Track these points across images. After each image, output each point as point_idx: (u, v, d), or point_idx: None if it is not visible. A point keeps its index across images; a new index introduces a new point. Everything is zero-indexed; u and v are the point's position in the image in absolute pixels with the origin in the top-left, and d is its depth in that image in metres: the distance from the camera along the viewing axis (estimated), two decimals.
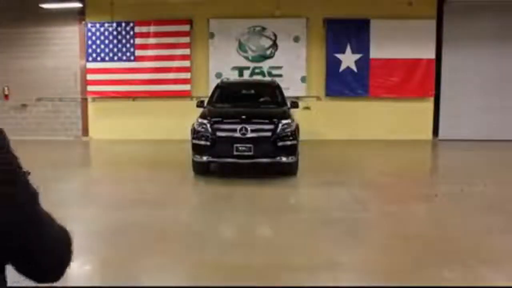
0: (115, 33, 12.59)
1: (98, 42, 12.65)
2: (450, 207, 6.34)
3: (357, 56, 12.35)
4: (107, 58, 12.58)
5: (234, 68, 12.57)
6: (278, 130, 7.70)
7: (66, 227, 1.16)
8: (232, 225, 5.73)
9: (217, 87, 9.45)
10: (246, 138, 7.59)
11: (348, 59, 12.37)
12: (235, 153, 7.57)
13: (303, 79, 12.53)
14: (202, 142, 7.71)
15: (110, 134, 12.48)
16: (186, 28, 12.50)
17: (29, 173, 1.06)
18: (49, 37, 12.87)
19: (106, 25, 12.60)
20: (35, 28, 12.71)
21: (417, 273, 4.13)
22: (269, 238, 5.32)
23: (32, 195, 1.04)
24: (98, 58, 12.61)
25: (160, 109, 12.19)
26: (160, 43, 12.48)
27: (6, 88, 13.03)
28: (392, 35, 12.12)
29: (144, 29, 12.50)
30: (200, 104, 8.99)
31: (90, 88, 12.72)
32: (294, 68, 12.49)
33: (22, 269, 1.08)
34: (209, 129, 7.71)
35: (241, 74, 12.55)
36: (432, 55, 12.29)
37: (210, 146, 7.67)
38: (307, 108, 12.27)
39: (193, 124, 8.03)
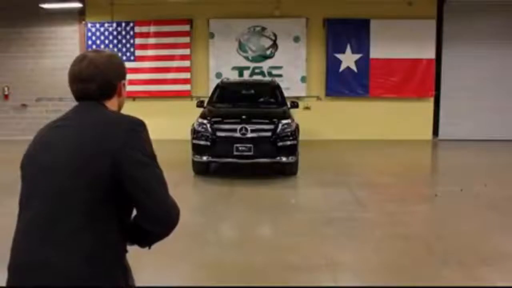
0: (115, 33, 12.60)
1: (98, 42, 12.65)
2: (450, 207, 6.34)
3: (357, 56, 12.35)
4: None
5: (234, 68, 12.57)
6: (278, 130, 7.69)
7: None
8: (232, 225, 5.73)
9: (217, 87, 9.45)
10: (246, 138, 7.59)
11: (348, 59, 12.37)
12: (235, 153, 7.57)
13: (303, 79, 12.53)
14: (202, 142, 7.71)
15: None
16: (186, 28, 12.49)
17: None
18: (49, 37, 12.87)
19: (106, 25, 12.60)
20: (35, 28, 12.71)
21: (417, 273, 4.13)
22: (269, 238, 5.32)
23: (153, 170, 1.63)
24: None
25: (160, 109, 12.17)
26: (160, 43, 12.48)
27: (6, 88, 13.04)
28: (392, 35, 12.11)
29: (144, 29, 12.51)
30: (200, 104, 9.00)
31: None
32: (294, 68, 12.49)
33: (139, 211, 1.62)
34: (209, 129, 7.71)
35: (241, 74, 12.54)
36: (432, 55, 12.29)
37: (210, 146, 7.67)
38: (307, 108, 12.28)
39: (193, 124, 8.03)
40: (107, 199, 1.58)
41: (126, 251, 1.75)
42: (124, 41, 12.59)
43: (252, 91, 9.62)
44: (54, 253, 1.52)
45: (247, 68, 12.59)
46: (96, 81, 1.71)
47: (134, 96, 12.40)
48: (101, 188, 1.56)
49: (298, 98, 11.19)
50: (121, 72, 1.82)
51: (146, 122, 1.78)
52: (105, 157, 1.57)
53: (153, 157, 1.66)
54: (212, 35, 12.55)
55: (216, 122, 7.80)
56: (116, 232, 1.63)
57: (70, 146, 1.60)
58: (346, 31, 12.28)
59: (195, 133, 7.84)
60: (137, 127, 1.67)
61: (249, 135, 7.62)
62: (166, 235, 1.71)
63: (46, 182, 1.59)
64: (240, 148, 7.56)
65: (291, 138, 7.73)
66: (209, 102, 8.92)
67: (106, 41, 12.65)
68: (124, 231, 1.68)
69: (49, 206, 1.57)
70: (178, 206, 1.68)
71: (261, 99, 9.27)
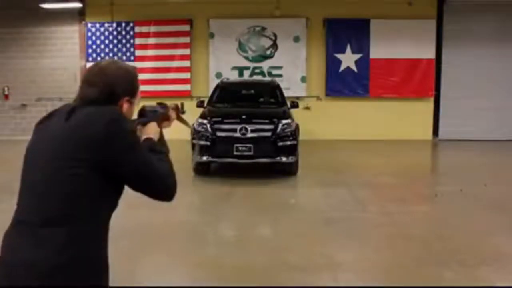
0: (115, 33, 12.60)
1: (98, 42, 12.66)
2: (450, 207, 6.34)
3: (357, 56, 12.36)
4: (107, 58, 12.58)
5: (234, 68, 12.57)
6: (278, 130, 7.69)
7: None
8: (232, 225, 5.73)
9: (217, 87, 9.45)
10: (246, 138, 7.59)
11: (348, 59, 12.37)
12: (235, 153, 7.57)
13: (303, 79, 12.53)
14: (202, 142, 7.71)
15: None
16: (186, 28, 12.50)
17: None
18: (49, 37, 12.87)
19: (106, 25, 12.61)
20: (35, 28, 12.72)
21: (417, 273, 4.13)
22: (269, 238, 5.32)
23: (134, 148, 1.66)
24: (98, 58, 12.60)
25: None
26: (160, 43, 12.48)
27: (6, 88, 13.04)
28: (392, 35, 12.12)
29: (144, 29, 12.51)
30: (200, 104, 9.00)
31: None
32: (294, 68, 12.49)
33: (136, 189, 1.71)
34: (209, 129, 7.72)
35: (241, 74, 12.55)
36: (432, 55, 12.29)
37: (210, 146, 7.67)
38: (307, 108, 12.28)
39: (193, 124, 8.03)
40: (88, 192, 1.60)
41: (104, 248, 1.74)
42: (124, 41, 12.59)
43: (252, 91, 9.62)
44: (28, 248, 1.54)
45: (247, 68, 12.59)
46: (99, 86, 1.72)
47: None
48: (83, 180, 1.58)
49: (298, 98, 11.20)
50: (129, 88, 1.83)
51: None
52: (88, 148, 1.59)
53: (135, 141, 1.70)
54: (212, 35, 12.55)
55: (216, 122, 7.80)
56: (94, 227, 1.64)
57: (53, 140, 1.64)
58: (346, 31, 12.28)
59: (195, 133, 7.84)
60: (118, 116, 1.68)
61: (249, 135, 7.61)
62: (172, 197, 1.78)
63: (30, 177, 1.65)
64: (240, 148, 7.56)
65: (291, 138, 7.73)
66: (209, 102, 8.92)
67: (106, 41, 12.65)
68: (104, 226, 1.70)
69: (30, 200, 1.61)
70: (169, 171, 1.75)
71: (261, 99, 9.27)
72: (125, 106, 1.80)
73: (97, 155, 1.59)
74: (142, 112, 1.93)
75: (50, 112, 1.79)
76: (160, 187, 1.72)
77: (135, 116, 1.90)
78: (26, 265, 1.52)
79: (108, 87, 1.74)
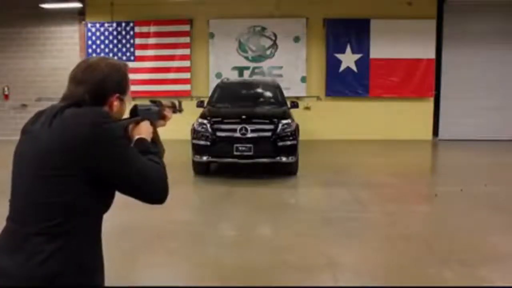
0: (115, 33, 12.60)
1: (98, 42, 12.66)
2: (450, 207, 6.34)
3: (357, 56, 12.35)
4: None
5: (234, 68, 12.57)
6: (278, 130, 7.70)
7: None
8: (232, 225, 5.72)
9: (217, 87, 9.46)
10: (246, 138, 7.59)
11: (348, 59, 12.37)
12: (235, 153, 7.57)
13: (303, 79, 12.53)
14: (202, 142, 7.71)
15: None
16: (186, 28, 12.50)
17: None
18: (49, 37, 12.88)
19: (106, 25, 12.61)
20: (35, 28, 12.72)
21: (417, 273, 4.13)
22: (269, 238, 5.32)
23: (123, 150, 1.58)
24: None
25: None
26: (160, 43, 12.48)
27: (6, 88, 13.04)
28: (392, 35, 12.11)
29: (144, 29, 12.51)
30: (200, 104, 9.00)
31: None
32: (294, 68, 12.49)
33: (126, 193, 1.62)
34: (209, 129, 7.72)
35: (241, 74, 12.54)
36: (432, 55, 12.29)
37: (210, 146, 7.67)
38: (307, 108, 12.28)
39: (193, 124, 8.03)
40: (76, 198, 1.53)
41: (95, 249, 1.66)
42: (124, 41, 12.59)
43: (252, 91, 9.60)
44: (9, 257, 1.50)
45: (247, 68, 12.59)
46: (87, 84, 1.62)
47: (134, 96, 12.34)
48: (71, 185, 1.51)
49: (298, 98, 11.20)
50: (119, 84, 1.70)
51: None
52: (74, 151, 1.51)
53: (123, 145, 1.61)
54: (212, 35, 12.55)
55: (216, 122, 7.80)
56: (85, 233, 1.58)
57: (36, 146, 1.56)
58: (346, 31, 12.28)
59: (195, 133, 7.84)
60: (103, 118, 1.57)
61: (249, 135, 7.61)
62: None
63: (19, 183, 1.59)
64: (240, 148, 7.56)
65: (291, 138, 7.73)
66: (209, 102, 8.92)
67: (106, 41, 12.65)
68: (96, 230, 1.64)
69: (15, 208, 1.58)
70: (160, 174, 1.66)
71: (261, 99, 9.26)
72: (116, 103, 1.69)
73: (84, 159, 1.50)
74: (135, 111, 1.85)
75: (37, 113, 1.66)
76: (150, 191, 1.63)
77: (126, 114, 1.82)
78: (15, 275, 1.48)
79: (96, 85, 1.63)
